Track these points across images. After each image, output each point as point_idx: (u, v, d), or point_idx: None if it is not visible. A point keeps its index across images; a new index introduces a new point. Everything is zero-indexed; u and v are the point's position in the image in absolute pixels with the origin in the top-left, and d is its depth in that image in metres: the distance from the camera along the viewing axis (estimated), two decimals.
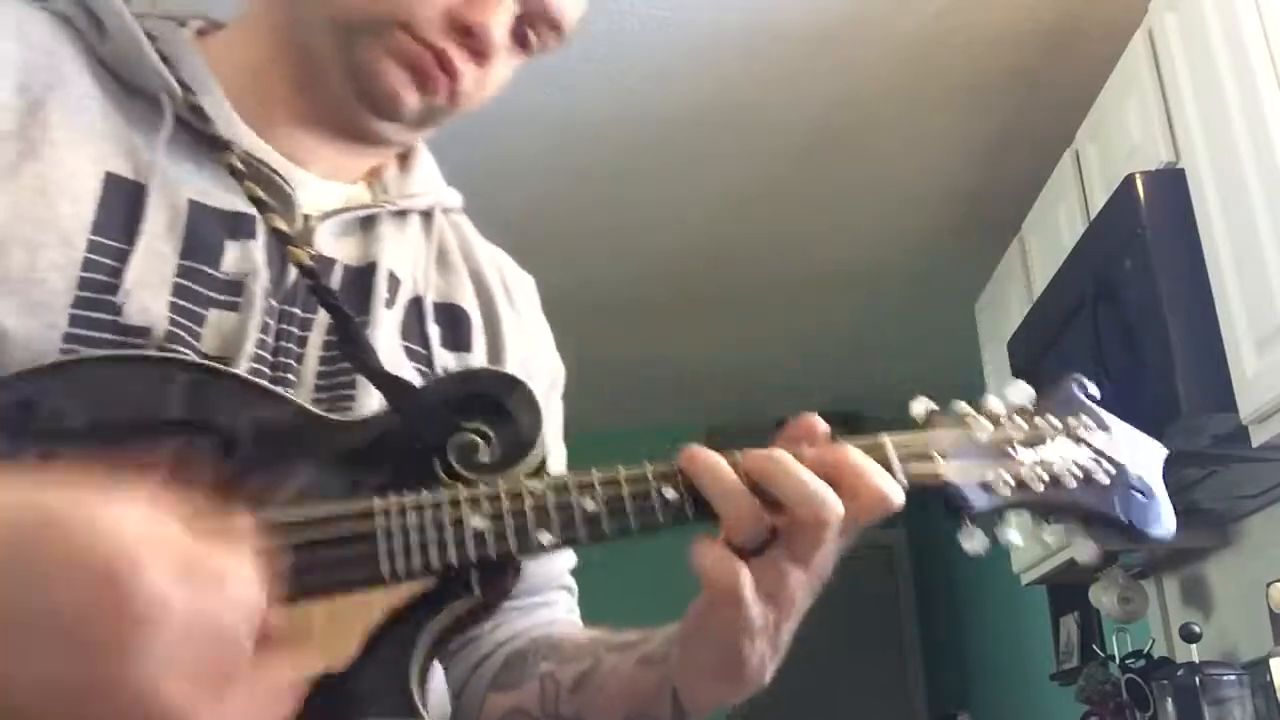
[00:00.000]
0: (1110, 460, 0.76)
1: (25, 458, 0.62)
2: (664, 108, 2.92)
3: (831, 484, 0.67)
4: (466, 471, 0.68)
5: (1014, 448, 0.75)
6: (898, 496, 0.69)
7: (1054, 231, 2.74)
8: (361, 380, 0.77)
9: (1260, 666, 2.30)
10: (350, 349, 0.76)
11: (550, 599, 0.94)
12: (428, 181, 0.95)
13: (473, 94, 0.84)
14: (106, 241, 0.72)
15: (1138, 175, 2.15)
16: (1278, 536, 2.51)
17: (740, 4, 2.56)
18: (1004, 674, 4.64)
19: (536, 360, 0.97)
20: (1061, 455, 0.75)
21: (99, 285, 0.71)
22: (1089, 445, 0.77)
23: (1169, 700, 2.48)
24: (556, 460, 0.95)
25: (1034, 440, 0.76)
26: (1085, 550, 0.75)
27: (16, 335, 0.67)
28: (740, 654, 0.70)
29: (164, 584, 0.50)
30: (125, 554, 0.50)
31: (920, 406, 0.77)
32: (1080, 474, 0.75)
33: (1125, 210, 2.17)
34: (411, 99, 0.81)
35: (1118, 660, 2.91)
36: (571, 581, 0.98)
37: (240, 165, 0.79)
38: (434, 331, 0.86)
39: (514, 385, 0.72)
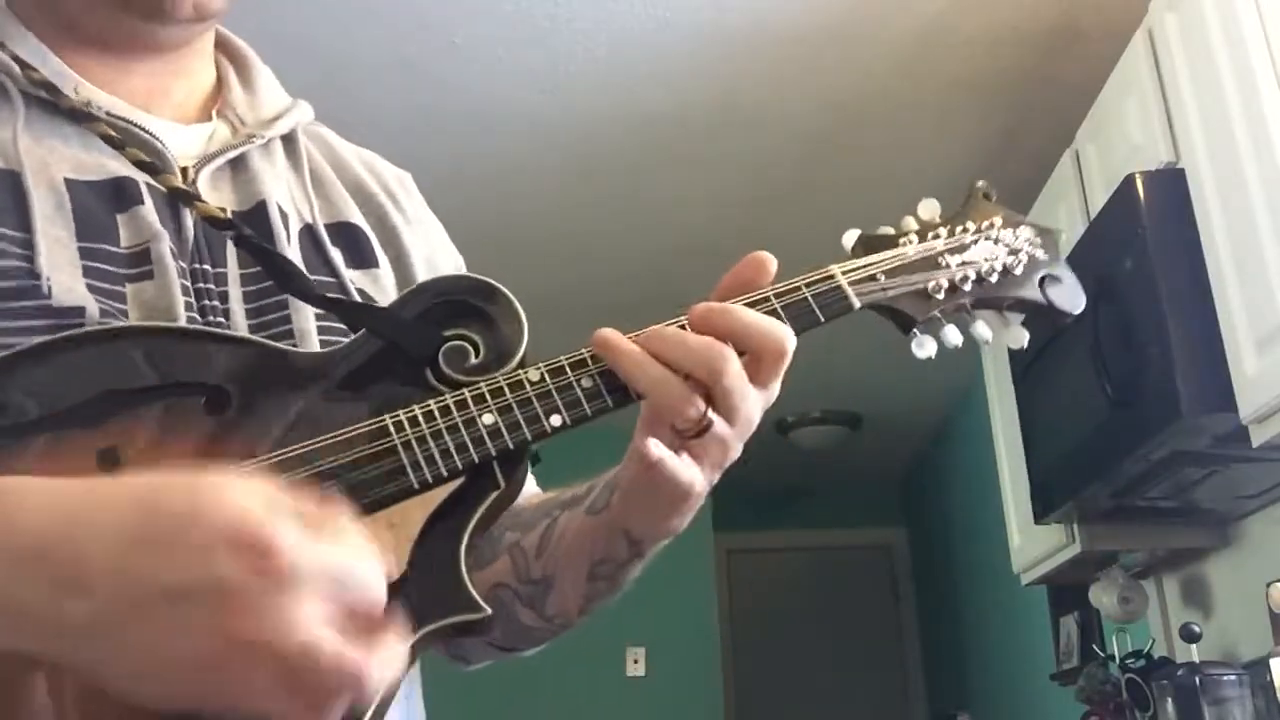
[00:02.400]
0: (1022, 252, 0.85)
1: (22, 449, 0.62)
2: (664, 108, 2.92)
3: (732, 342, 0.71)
4: (461, 376, 0.70)
5: (943, 258, 0.83)
6: (790, 340, 0.73)
7: None
8: (298, 324, 0.78)
9: (1260, 666, 2.30)
10: (298, 290, 0.77)
11: None
12: (276, 99, 0.93)
13: None
14: (7, 231, 0.72)
15: (1138, 175, 2.15)
16: (1278, 536, 2.51)
17: (740, 4, 2.56)
18: (1004, 674, 4.64)
19: (439, 255, 0.97)
20: (982, 256, 0.84)
21: (13, 273, 0.70)
22: (1003, 242, 0.85)
23: (1169, 700, 2.48)
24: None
25: (957, 247, 0.84)
26: (1016, 336, 0.83)
27: None
28: (681, 500, 0.74)
29: (299, 545, 0.52)
30: (257, 519, 0.52)
31: (850, 237, 0.84)
32: (1000, 268, 0.84)
33: (1125, 210, 2.17)
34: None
35: (1118, 660, 2.91)
36: None
37: (113, 133, 0.78)
38: (335, 254, 0.86)
39: (482, 286, 0.74)
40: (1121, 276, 2.17)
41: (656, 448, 0.70)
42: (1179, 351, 1.99)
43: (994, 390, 3.29)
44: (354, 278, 0.86)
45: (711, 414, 0.70)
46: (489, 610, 0.66)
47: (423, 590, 0.65)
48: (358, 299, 0.83)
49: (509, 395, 0.69)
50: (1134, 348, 2.12)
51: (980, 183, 0.89)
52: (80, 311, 0.71)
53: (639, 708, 4.77)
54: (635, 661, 4.87)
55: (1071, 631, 3.58)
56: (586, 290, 3.74)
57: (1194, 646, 2.51)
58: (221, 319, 0.77)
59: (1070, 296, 0.86)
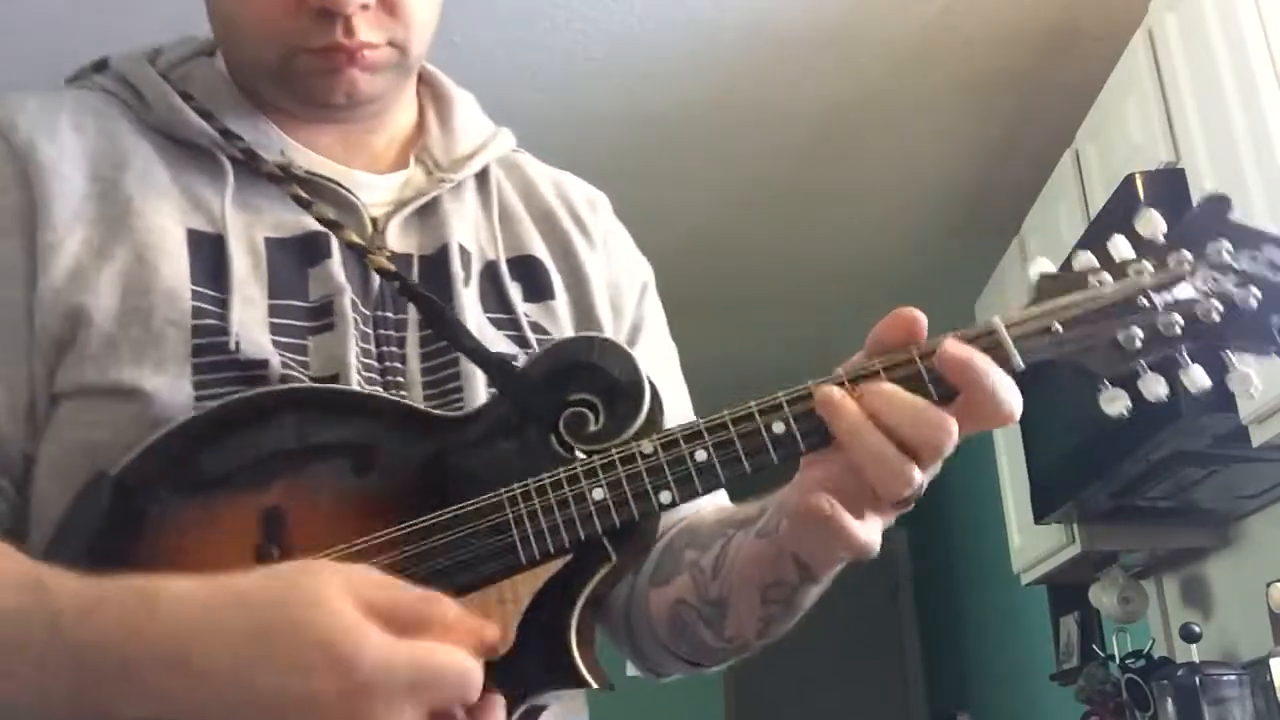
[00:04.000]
0: (1256, 279, 0.70)
1: (197, 503, 0.69)
2: (664, 107, 2.92)
3: (958, 385, 0.67)
4: (580, 443, 0.71)
5: (1146, 296, 0.69)
6: (1018, 409, 0.67)
7: (1054, 231, 2.74)
8: (466, 369, 0.81)
9: (1260, 666, 2.30)
10: (450, 339, 0.79)
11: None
12: (473, 133, 0.96)
13: (388, 27, 0.83)
14: (205, 291, 0.78)
15: (1138, 175, 2.15)
16: (1278, 536, 2.51)
17: (740, 4, 2.56)
18: (1004, 674, 4.64)
19: (623, 277, 0.98)
20: (1201, 290, 0.69)
21: (210, 330, 0.76)
22: (1232, 270, 0.70)
23: (1169, 700, 2.48)
24: (667, 361, 0.99)
25: (1168, 282, 0.70)
26: (1243, 383, 0.68)
27: (155, 394, 0.73)
28: (844, 549, 0.72)
29: (385, 653, 0.57)
30: (344, 630, 0.57)
31: (1035, 270, 0.71)
32: (1221, 305, 0.69)
33: (1125, 210, 2.17)
34: (344, 89, 0.83)
35: (1118, 660, 2.91)
36: None
37: (303, 193, 0.83)
38: (513, 290, 0.88)
39: (604, 347, 0.74)
40: None
41: (832, 508, 0.68)
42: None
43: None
44: (529, 311, 0.88)
45: (919, 480, 0.67)
46: (594, 684, 0.70)
47: (530, 665, 0.67)
48: (531, 334, 0.86)
49: (619, 469, 0.69)
50: None
51: (1212, 192, 0.74)
52: (264, 364, 0.76)
53: (639, 707, 4.77)
54: None
55: (1071, 631, 3.58)
56: None
57: (1194, 646, 2.51)
58: (398, 364, 0.81)
59: None
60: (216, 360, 0.75)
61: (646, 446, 0.69)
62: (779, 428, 0.69)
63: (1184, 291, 0.70)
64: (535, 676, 0.68)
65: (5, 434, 0.75)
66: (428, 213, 0.89)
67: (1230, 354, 0.70)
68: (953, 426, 0.66)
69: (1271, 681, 2.21)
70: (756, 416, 0.69)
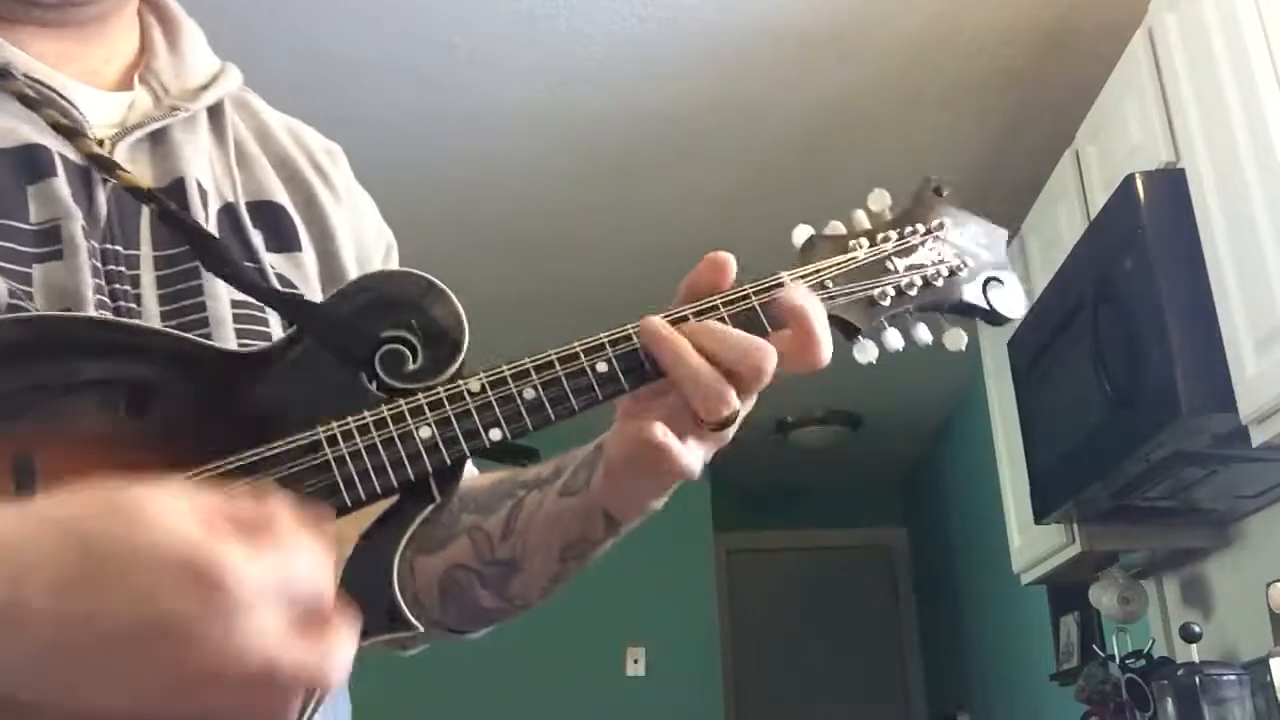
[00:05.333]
0: (968, 253, 0.84)
1: None
2: (664, 107, 2.92)
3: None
4: (398, 382, 0.67)
5: (891, 261, 0.81)
6: (770, 358, 0.71)
7: (1054, 231, 2.74)
8: (215, 311, 0.74)
9: (1260, 666, 2.30)
10: (229, 273, 0.72)
11: None
12: (204, 64, 0.88)
13: None
14: None
15: (1138, 175, 2.15)
16: (1278, 536, 2.51)
17: (740, 4, 2.56)
18: (1004, 674, 4.64)
19: (368, 236, 0.93)
20: (929, 259, 0.82)
21: None
22: (949, 243, 0.84)
23: (1169, 700, 2.47)
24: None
25: (905, 249, 0.82)
26: (956, 339, 0.82)
27: None
28: (672, 484, 0.74)
29: (243, 561, 0.50)
30: (197, 542, 0.49)
31: (800, 234, 0.82)
32: (946, 271, 0.82)
33: (1125, 210, 2.17)
34: None
35: (1118, 660, 2.91)
36: None
37: (30, 93, 0.74)
38: (256, 237, 0.81)
39: (424, 285, 0.70)
40: (1121, 276, 2.17)
41: (664, 434, 0.70)
42: (1179, 351, 1.99)
43: (994, 390, 3.29)
44: (274, 261, 0.81)
45: (737, 406, 0.70)
46: (420, 628, 0.66)
47: (355, 604, 0.62)
48: (276, 284, 0.79)
49: (448, 408, 0.66)
50: (1134, 348, 2.12)
51: (932, 178, 0.87)
52: None
53: (639, 708, 4.77)
54: (635, 661, 4.87)
55: (1071, 631, 3.58)
56: (585, 290, 3.74)
57: (1194, 646, 2.50)
58: (133, 304, 0.73)
59: (1011, 300, 0.85)
60: None
61: (474, 385, 0.67)
62: (603, 366, 0.70)
63: (918, 258, 0.82)
64: (361, 619, 0.62)
65: None
66: (158, 141, 0.80)
67: (944, 315, 0.83)
68: (771, 351, 0.70)
69: (1271, 681, 2.21)
70: (581, 356, 0.70)
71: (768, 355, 0.70)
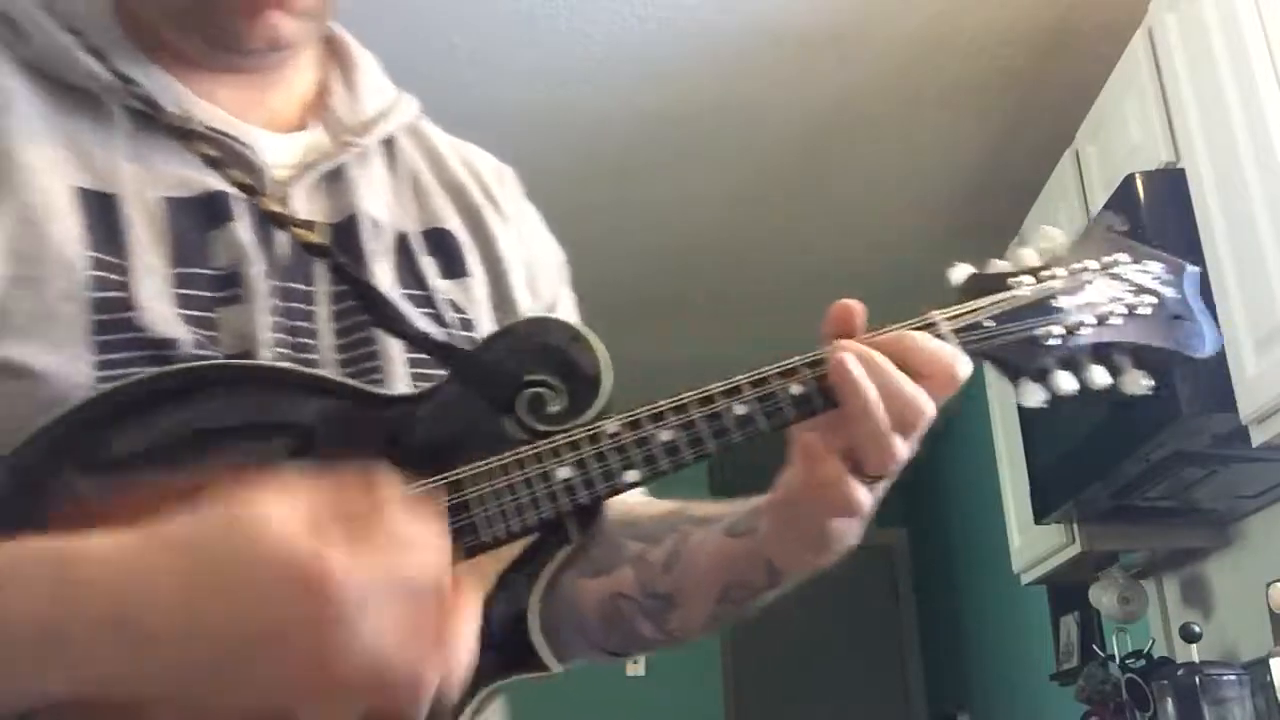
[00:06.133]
0: (1149, 291, 0.78)
1: (100, 490, 0.62)
2: (663, 107, 2.92)
3: (902, 369, 0.70)
4: (540, 424, 0.69)
5: (1058, 299, 0.76)
6: (964, 368, 0.71)
7: None
8: (384, 345, 0.76)
9: (1260, 666, 2.30)
10: (388, 322, 0.76)
11: None
12: (379, 98, 0.91)
13: None
14: (103, 258, 0.71)
15: (1138, 175, 2.15)
16: (1278, 536, 2.51)
17: (740, 4, 2.56)
18: (1004, 674, 4.64)
19: (539, 261, 0.95)
20: (1104, 295, 0.76)
21: (112, 305, 0.69)
22: (1127, 280, 0.78)
23: (1169, 700, 2.47)
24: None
25: (1075, 287, 0.77)
26: (1137, 383, 0.76)
27: (47, 374, 0.66)
28: (833, 530, 0.72)
29: (350, 566, 0.52)
30: (305, 553, 0.52)
31: (959, 273, 0.78)
32: (1124, 310, 0.76)
33: (1125, 210, 2.17)
34: (265, 33, 0.78)
35: (1118, 660, 2.91)
36: None
37: (210, 150, 0.77)
38: (427, 265, 0.84)
39: (566, 330, 0.73)
40: None
41: (841, 468, 0.69)
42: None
43: (994, 390, 3.29)
44: (444, 288, 0.84)
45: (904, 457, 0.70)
46: (558, 668, 0.68)
47: (494, 646, 0.65)
48: (448, 311, 0.82)
49: (586, 449, 0.68)
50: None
51: (1105, 214, 0.82)
52: (172, 343, 0.70)
53: (639, 708, 4.77)
54: (635, 661, 4.87)
55: (1071, 631, 3.58)
56: (585, 290, 3.73)
57: (1194, 646, 2.50)
58: (309, 340, 0.75)
59: (1197, 338, 0.78)
60: (121, 339, 0.68)
61: (611, 426, 0.68)
62: (740, 409, 0.70)
63: (1089, 297, 0.76)
64: (494, 660, 0.65)
65: None
66: (334, 178, 0.83)
67: (1123, 357, 0.77)
68: (930, 404, 0.69)
69: (1271, 681, 2.21)
70: (717, 399, 0.70)
71: (929, 408, 0.69)
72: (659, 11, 2.57)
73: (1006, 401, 3.07)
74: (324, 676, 0.52)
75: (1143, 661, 2.78)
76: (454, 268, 0.86)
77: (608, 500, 0.70)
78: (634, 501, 0.91)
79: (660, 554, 0.82)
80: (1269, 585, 2.25)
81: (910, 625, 5.93)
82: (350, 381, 0.73)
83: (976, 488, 4.44)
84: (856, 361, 0.69)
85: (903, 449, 0.70)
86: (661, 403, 0.70)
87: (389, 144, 0.89)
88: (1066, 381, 0.75)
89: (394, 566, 0.53)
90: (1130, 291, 0.78)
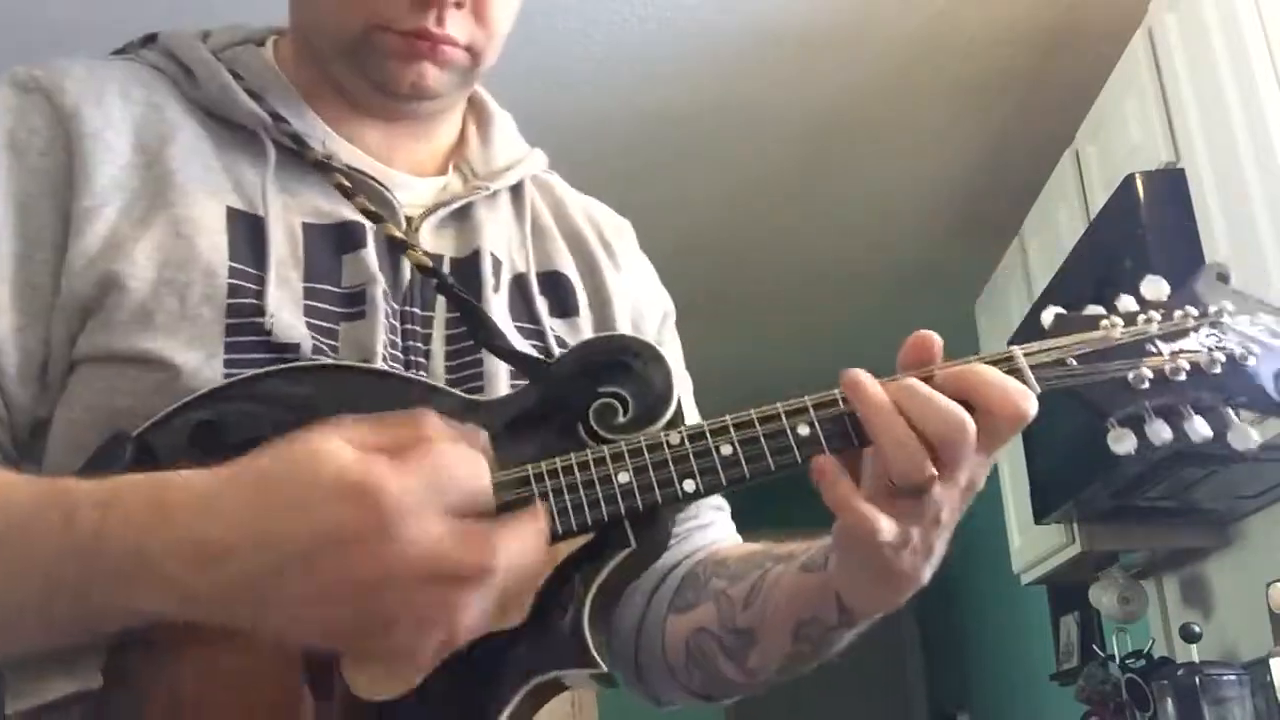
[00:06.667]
0: (1254, 340, 0.76)
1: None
2: (664, 107, 2.92)
3: (965, 402, 0.69)
4: (608, 433, 0.72)
5: (1153, 343, 0.74)
6: (1031, 405, 0.70)
7: (1054, 231, 2.74)
8: (490, 368, 0.83)
9: (1260, 666, 2.30)
10: (484, 337, 0.82)
11: (706, 520, 0.98)
12: (510, 150, 0.99)
13: (471, 31, 0.87)
14: (243, 268, 0.79)
15: (1138, 175, 2.15)
16: (1278, 536, 2.51)
17: (740, 4, 2.56)
18: (1004, 674, 4.64)
19: (645, 305, 1.00)
20: (1204, 344, 0.74)
21: (245, 310, 0.77)
22: (1232, 330, 0.76)
23: (1169, 700, 2.48)
24: (684, 391, 0.98)
25: (1174, 333, 0.75)
26: (1243, 436, 0.73)
27: (186, 368, 0.74)
28: (892, 568, 0.73)
29: (397, 479, 0.58)
30: (356, 469, 0.58)
31: (1049, 315, 0.76)
32: (1224, 358, 0.74)
33: (1125, 210, 2.17)
34: (414, 79, 0.85)
35: (1118, 660, 2.91)
36: (723, 501, 1.01)
37: (347, 183, 0.86)
38: (541, 303, 0.90)
39: (640, 347, 0.76)
40: (1121, 276, 2.17)
41: (845, 488, 0.70)
42: None
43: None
44: (555, 326, 0.90)
45: (934, 472, 0.69)
46: (604, 667, 0.70)
47: (544, 636, 0.68)
48: (556, 347, 0.88)
49: (646, 456, 0.70)
50: None
51: (1216, 263, 0.79)
52: (294, 348, 0.77)
53: (639, 707, 4.77)
54: None
55: (1071, 631, 3.58)
56: None
57: (1194, 646, 2.51)
58: (422, 359, 0.83)
59: None
60: (250, 340, 0.76)
61: (674, 438, 0.71)
62: (804, 430, 0.71)
63: (1189, 343, 0.74)
64: (546, 653, 0.69)
65: (13, 394, 0.76)
66: (462, 218, 0.91)
67: (1230, 410, 0.74)
68: (969, 423, 0.68)
69: (1271, 681, 2.21)
70: (783, 417, 0.71)
71: (965, 426, 0.68)
72: (659, 11, 2.57)
73: None
74: (382, 573, 0.57)
75: (1143, 661, 2.79)
76: (565, 307, 0.92)
77: (671, 512, 0.72)
78: (727, 544, 0.95)
79: (741, 589, 0.85)
80: (1269, 585, 2.25)
81: (910, 625, 5.93)
82: (442, 385, 0.80)
83: None
84: (879, 390, 0.69)
85: (924, 458, 0.68)
86: (726, 417, 0.71)
87: (516, 190, 0.97)
88: (1161, 431, 0.73)
89: (434, 478, 0.59)
90: (1237, 341, 0.75)
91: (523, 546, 0.61)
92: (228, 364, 0.75)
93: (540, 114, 2.92)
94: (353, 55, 0.85)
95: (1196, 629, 2.51)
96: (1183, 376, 0.73)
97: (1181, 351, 0.74)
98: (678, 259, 3.72)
